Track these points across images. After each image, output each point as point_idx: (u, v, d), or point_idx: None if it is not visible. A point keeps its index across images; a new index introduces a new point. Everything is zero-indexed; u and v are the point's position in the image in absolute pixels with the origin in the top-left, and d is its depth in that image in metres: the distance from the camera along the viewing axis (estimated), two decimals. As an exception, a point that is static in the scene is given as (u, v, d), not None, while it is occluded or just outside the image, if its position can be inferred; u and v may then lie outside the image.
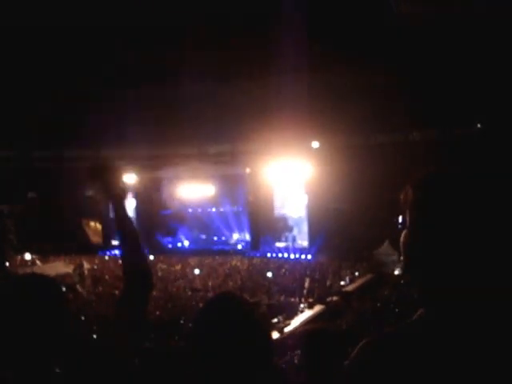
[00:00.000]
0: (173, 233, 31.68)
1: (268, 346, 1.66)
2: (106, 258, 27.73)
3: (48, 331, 1.40)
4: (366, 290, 18.02)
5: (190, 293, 17.59)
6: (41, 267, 22.13)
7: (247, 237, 29.92)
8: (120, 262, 1.75)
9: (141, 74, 29.78)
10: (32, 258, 23.62)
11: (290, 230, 27.37)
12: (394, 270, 21.11)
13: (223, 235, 30.97)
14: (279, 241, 27.31)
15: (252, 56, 27.62)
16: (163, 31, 29.31)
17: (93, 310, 14.65)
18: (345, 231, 23.80)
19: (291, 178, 27.21)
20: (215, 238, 31.17)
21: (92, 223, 32.53)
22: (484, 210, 0.96)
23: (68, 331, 1.46)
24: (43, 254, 25.21)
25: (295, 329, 13.10)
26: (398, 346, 0.98)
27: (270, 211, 27.69)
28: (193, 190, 30.75)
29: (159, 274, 21.95)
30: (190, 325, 1.69)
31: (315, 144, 29.61)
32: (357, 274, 20.46)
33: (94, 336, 10.40)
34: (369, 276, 20.51)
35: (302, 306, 15.68)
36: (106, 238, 31.21)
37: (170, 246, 31.37)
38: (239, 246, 29.73)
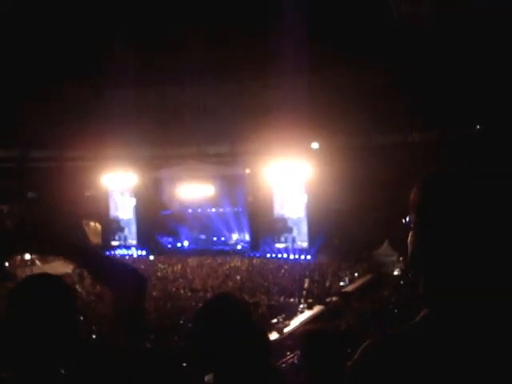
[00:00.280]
0: (173, 233, 31.67)
1: (265, 347, 1.66)
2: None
3: (56, 332, 1.40)
4: (366, 290, 18.03)
5: (189, 293, 17.58)
6: (40, 267, 22.13)
7: (247, 237, 29.91)
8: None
9: (141, 75, 29.78)
10: (31, 257, 23.61)
11: (290, 231, 27.36)
12: (393, 271, 21.12)
13: (223, 236, 30.96)
14: (279, 242, 27.30)
15: (252, 56, 27.62)
16: (163, 31, 29.32)
17: (92, 310, 14.65)
18: (344, 232, 23.79)
19: (291, 178, 27.21)
20: (215, 239, 31.15)
21: (92, 224, 32.53)
22: (485, 210, 0.96)
23: (74, 332, 1.46)
24: (42, 253, 25.20)
25: (295, 329, 13.10)
26: (402, 347, 0.98)
27: (270, 212, 27.68)
28: (193, 191, 30.75)
29: (159, 274, 21.96)
30: (190, 325, 1.70)
31: (315, 145, 29.62)
32: (356, 274, 20.46)
33: (94, 336, 10.41)
34: (368, 276, 20.50)
35: (301, 306, 15.67)
36: (106, 239, 31.22)
37: (169, 246, 31.36)
38: (239, 247, 29.72)
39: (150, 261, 26.78)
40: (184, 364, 7.92)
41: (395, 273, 20.84)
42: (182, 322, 12.53)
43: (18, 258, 23.07)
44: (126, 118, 28.66)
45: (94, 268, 1.69)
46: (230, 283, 19.34)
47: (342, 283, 19.07)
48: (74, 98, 30.81)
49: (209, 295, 15.88)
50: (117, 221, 31.12)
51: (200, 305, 1.86)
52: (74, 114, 30.01)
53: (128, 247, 29.94)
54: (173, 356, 8.46)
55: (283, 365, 9.23)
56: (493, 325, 0.94)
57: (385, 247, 22.16)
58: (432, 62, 24.85)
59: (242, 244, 29.96)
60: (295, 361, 9.39)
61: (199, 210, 31.60)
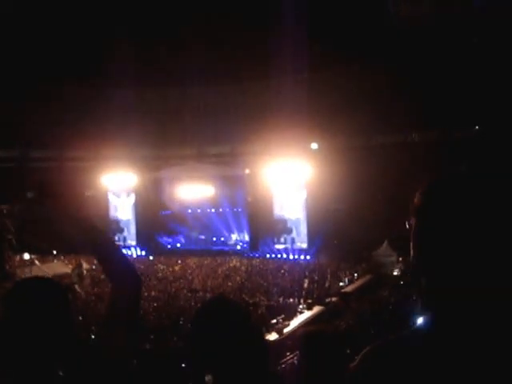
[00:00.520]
0: (172, 233, 31.67)
1: (262, 348, 1.67)
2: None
3: (53, 334, 1.39)
4: (365, 290, 18.03)
5: (189, 293, 17.57)
6: (39, 267, 22.13)
7: (246, 237, 29.92)
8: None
9: (141, 75, 29.78)
10: (31, 257, 23.60)
11: (289, 231, 27.35)
12: (392, 271, 21.11)
13: (222, 236, 30.97)
14: (278, 243, 27.29)
15: (252, 57, 27.63)
16: (163, 31, 29.34)
17: (91, 310, 14.64)
18: (344, 232, 23.79)
19: (291, 179, 27.21)
20: (214, 239, 31.16)
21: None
22: (487, 214, 0.96)
23: (71, 334, 1.46)
24: (42, 253, 25.20)
25: (294, 330, 13.10)
26: (402, 353, 0.97)
27: (269, 212, 27.68)
28: (192, 191, 30.75)
29: (158, 274, 21.94)
30: (189, 325, 1.70)
31: (314, 145, 29.63)
32: (356, 274, 20.45)
33: (92, 336, 10.40)
34: (368, 277, 20.50)
35: (300, 306, 15.67)
36: (105, 239, 31.14)
37: (169, 246, 31.36)
38: (238, 247, 29.73)
39: (150, 261, 26.76)
40: (183, 364, 7.92)
41: (395, 273, 20.84)
42: (181, 322, 12.52)
43: (17, 257, 23.05)
44: (126, 118, 28.68)
45: (106, 257, 1.69)
46: (230, 283, 19.33)
47: (341, 283, 19.07)
48: (73, 98, 30.80)
49: (208, 295, 15.89)
50: (116, 221, 31.10)
51: (199, 305, 1.86)
52: (74, 114, 30.01)
53: (127, 247, 29.93)
54: (172, 356, 8.46)
55: (283, 365, 9.23)
56: (495, 329, 0.93)
57: (384, 247, 22.16)
58: (431, 62, 24.86)
59: (242, 244, 29.97)
60: (295, 361, 9.39)
61: (199, 211, 31.61)
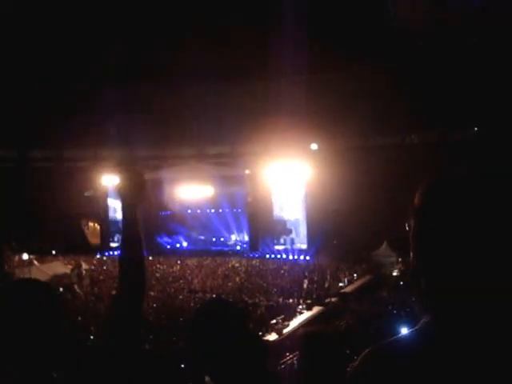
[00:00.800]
0: (172, 234, 31.67)
1: (261, 349, 1.67)
2: (104, 258, 27.73)
3: (42, 336, 1.39)
4: (365, 291, 18.02)
5: (188, 294, 17.56)
6: (39, 267, 22.11)
7: (246, 238, 29.93)
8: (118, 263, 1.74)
9: (141, 75, 29.79)
10: (30, 258, 23.59)
11: (289, 232, 27.36)
12: (392, 272, 21.12)
13: (222, 236, 30.98)
14: (278, 243, 27.30)
15: (252, 57, 27.64)
16: (164, 31, 29.34)
17: (90, 310, 14.63)
18: (343, 233, 23.81)
19: (290, 179, 27.22)
20: (214, 239, 31.17)
21: (91, 224, 32.53)
22: (487, 215, 0.96)
23: (64, 335, 1.45)
24: (41, 254, 25.19)
25: (294, 330, 13.10)
26: (402, 354, 0.97)
27: (269, 213, 27.69)
28: (192, 191, 30.75)
29: (158, 274, 21.93)
30: (188, 326, 1.71)
31: (314, 146, 29.64)
32: (355, 275, 20.46)
33: (91, 337, 10.40)
34: (367, 277, 20.51)
35: (300, 307, 15.66)
36: (105, 239, 31.20)
37: (168, 246, 31.36)
38: (238, 247, 29.75)
39: (149, 261, 26.75)
40: (183, 365, 7.91)
41: (394, 274, 20.84)
42: (180, 322, 12.51)
43: (16, 258, 23.04)
44: (126, 118, 28.68)
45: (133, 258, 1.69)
46: (229, 284, 19.32)
47: (340, 284, 19.07)
48: (73, 98, 30.79)
49: (208, 296, 15.89)
50: (116, 221, 31.09)
51: (199, 305, 1.87)
52: (74, 114, 30.01)
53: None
54: (171, 356, 8.46)
55: (282, 366, 9.23)
56: (495, 329, 0.93)
57: (384, 248, 22.17)
58: (431, 63, 24.88)
59: (241, 245, 29.98)
60: (294, 362, 9.39)
61: (198, 211, 31.62)
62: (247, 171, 29.06)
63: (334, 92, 27.62)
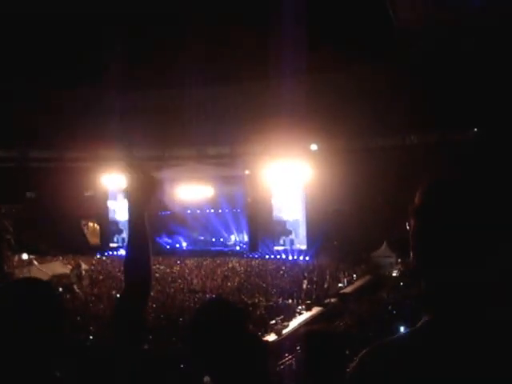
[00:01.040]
0: (172, 234, 31.65)
1: (261, 349, 1.68)
2: (104, 258, 27.72)
3: (44, 335, 1.39)
4: (364, 291, 18.02)
5: (188, 294, 17.55)
6: (38, 267, 22.09)
7: (246, 238, 29.92)
8: (123, 263, 1.74)
9: (141, 76, 29.79)
10: (29, 258, 23.58)
11: (288, 233, 27.34)
12: (392, 272, 21.11)
13: (222, 237, 30.96)
14: (278, 244, 27.28)
15: (252, 58, 27.65)
16: (163, 32, 29.35)
17: (90, 310, 14.62)
18: (343, 233, 23.81)
19: (290, 180, 27.21)
20: (214, 240, 31.15)
21: (90, 224, 32.52)
22: (486, 214, 0.97)
23: (65, 334, 1.45)
24: (41, 254, 25.18)
25: (293, 330, 13.10)
26: (400, 354, 0.97)
27: (269, 213, 27.67)
28: (192, 192, 30.72)
29: (157, 274, 21.91)
30: (188, 326, 1.71)
31: (314, 147, 29.64)
32: (355, 276, 20.45)
33: (91, 337, 10.40)
34: (367, 278, 20.51)
35: (299, 307, 15.66)
36: (104, 240, 31.19)
37: (168, 247, 31.34)
38: (238, 248, 29.73)
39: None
40: (182, 365, 7.91)
41: (394, 274, 20.83)
42: (180, 322, 12.51)
43: (16, 258, 23.03)
44: (126, 118, 28.68)
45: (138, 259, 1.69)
46: (229, 284, 19.31)
47: (340, 284, 19.06)
48: (73, 98, 30.81)
49: (207, 296, 15.89)
50: (116, 222, 31.09)
51: (198, 306, 1.87)
52: (74, 114, 30.01)
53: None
54: (171, 357, 8.46)
55: (281, 366, 9.23)
56: (493, 329, 0.93)
57: (383, 249, 22.17)
58: (431, 64, 24.88)
59: (241, 245, 29.97)
60: (293, 362, 9.39)
61: (198, 211, 31.59)
62: (247, 172, 29.05)
63: (334, 92, 27.64)
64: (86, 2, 28.27)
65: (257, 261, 25.04)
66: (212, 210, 31.25)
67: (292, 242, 27.10)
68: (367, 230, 22.70)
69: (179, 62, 29.43)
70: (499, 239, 0.97)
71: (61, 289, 16.67)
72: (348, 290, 18.57)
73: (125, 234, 30.95)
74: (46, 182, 29.20)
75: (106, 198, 31.02)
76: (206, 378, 1.67)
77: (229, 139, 30.81)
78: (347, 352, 2.25)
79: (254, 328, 11.69)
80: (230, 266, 23.82)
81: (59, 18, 28.23)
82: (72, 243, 27.80)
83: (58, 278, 19.48)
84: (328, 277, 19.60)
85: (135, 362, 1.58)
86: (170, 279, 20.97)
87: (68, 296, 16.79)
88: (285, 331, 13.11)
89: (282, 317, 13.90)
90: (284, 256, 26.33)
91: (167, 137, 31.20)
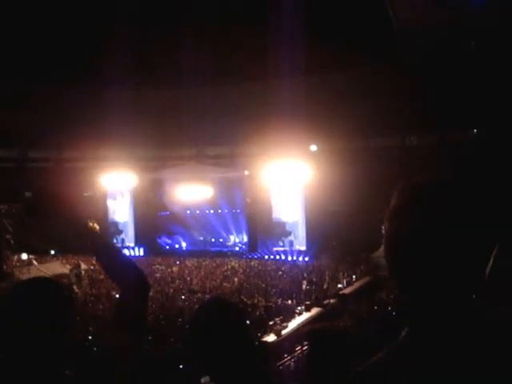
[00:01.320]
0: (171, 234, 31.65)
1: (260, 349, 1.68)
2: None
3: (55, 335, 1.40)
4: (364, 292, 18.01)
5: (187, 294, 17.54)
6: (37, 267, 22.09)
7: (245, 239, 29.92)
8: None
9: (140, 76, 29.78)
10: (29, 258, 23.58)
11: (287, 234, 27.33)
12: (391, 273, 21.06)
13: (221, 237, 30.96)
14: (277, 245, 27.28)
15: (251, 58, 27.64)
16: (162, 32, 29.34)
17: (89, 310, 14.61)
18: (342, 234, 23.80)
19: (289, 180, 27.21)
20: (213, 240, 31.15)
21: (90, 224, 32.44)
22: (455, 219, 0.93)
23: (74, 334, 1.46)
24: (40, 254, 25.17)
25: (293, 331, 13.10)
26: (390, 372, 0.95)
27: (268, 214, 27.67)
28: (191, 192, 30.71)
29: (157, 275, 21.91)
30: (187, 326, 1.71)
31: (313, 147, 29.64)
32: (354, 276, 20.45)
33: (90, 337, 10.39)
34: (366, 279, 20.49)
35: (299, 308, 15.66)
36: (104, 239, 31.11)
37: (167, 247, 31.34)
38: (237, 248, 29.74)
39: (148, 262, 26.75)
40: (181, 365, 7.91)
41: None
42: (179, 323, 12.51)
43: (15, 258, 23.03)
44: (125, 119, 28.65)
45: (106, 258, 1.69)
46: (228, 285, 19.31)
47: (339, 285, 19.06)
48: (72, 98, 30.78)
49: (207, 296, 15.88)
50: (115, 222, 31.08)
51: (198, 306, 1.87)
52: (73, 114, 29.99)
53: (126, 247, 29.90)
54: (170, 357, 8.45)
55: (280, 367, 9.22)
56: (472, 341, 0.91)
57: (382, 250, 22.11)
58: (430, 64, 24.89)
59: (240, 246, 29.97)
60: (292, 363, 9.39)
61: (198, 212, 31.58)
62: (246, 172, 29.06)
63: (334, 93, 27.63)
64: (86, 1, 28.28)
65: (256, 261, 25.05)
66: (211, 211, 31.24)
67: (291, 243, 27.09)
68: (367, 230, 22.68)
69: (179, 62, 29.42)
70: (472, 244, 0.94)
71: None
72: (347, 290, 18.56)
73: (124, 233, 30.97)
74: (44, 182, 29.14)
75: (105, 198, 31.01)
76: (204, 379, 1.67)
77: (228, 139, 30.81)
78: (348, 352, 2.25)
79: (253, 328, 11.69)
80: (230, 266, 23.82)
81: (57, 17, 28.22)
82: (71, 243, 27.75)
83: (58, 278, 19.44)
84: (327, 277, 19.61)
85: (135, 362, 1.58)
86: (169, 279, 20.97)
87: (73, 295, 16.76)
88: (284, 332, 13.10)
89: (281, 317, 13.89)
90: (283, 257, 26.34)
91: (166, 137, 31.19)
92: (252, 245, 28.52)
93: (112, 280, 1.70)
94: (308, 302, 16.13)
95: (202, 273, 22.38)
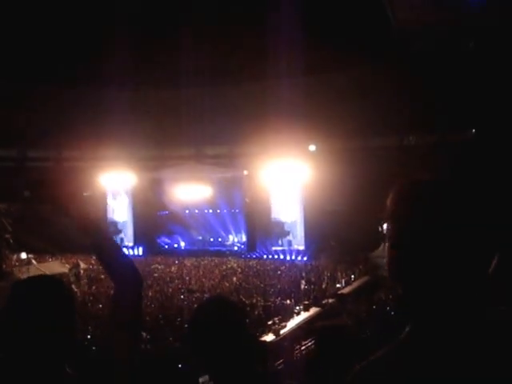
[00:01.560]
0: (170, 234, 31.65)
1: (260, 348, 1.69)
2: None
3: (59, 334, 1.40)
4: (362, 292, 18.03)
5: (185, 294, 17.55)
6: (37, 267, 22.08)
7: (244, 238, 29.93)
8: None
9: (139, 76, 29.76)
10: (28, 257, 23.56)
11: (286, 234, 27.35)
12: (390, 273, 21.09)
13: (220, 237, 30.97)
14: (275, 245, 27.30)
15: (250, 58, 27.63)
16: (162, 32, 29.32)
17: (88, 310, 14.61)
18: (341, 234, 23.81)
19: (288, 180, 27.22)
20: (212, 240, 31.16)
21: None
22: (454, 220, 0.94)
23: (76, 332, 1.47)
24: (39, 253, 25.14)
25: (291, 331, 13.11)
26: (390, 371, 0.96)
27: (267, 214, 27.69)
28: (190, 192, 30.72)
29: (155, 274, 21.91)
30: (186, 326, 1.72)
31: (312, 147, 29.64)
32: (353, 276, 20.47)
33: (89, 336, 10.39)
34: (365, 279, 20.51)
35: (297, 308, 15.67)
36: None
37: (166, 246, 31.34)
38: (236, 248, 29.75)
39: (147, 261, 26.76)
40: (180, 365, 7.91)
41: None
42: (177, 322, 12.51)
43: (15, 257, 23.01)
44: (124, 118, 28.64)
45: (107, 255, 1.70)
46: (227, 284, 19.32)
47: (338, 285, 19.08)
48: (72, 98, 30.77)
49: (205, 296, 15.88)
50: (114, 221, 31.07)
51: (196, 305, 1.87)
52: (73, 114, 29.97)
53: (125, 247, 29.90)
54: (169, 356, 8.45)
55: (279, 367, 9.23)
56: (471, 339, 0.91)
57: (381, 249, 22.14)
58: (430, 65, 24.89)
59: (239, 245, 29.98)
60: (291, 363, 9.39)
61: (196, 211, 31.59)
62: (245, 172, 29.06)
63: (333, 93, 27.62)
64: (83, 1, 28.25)
65: (255, 261, 25.06)
66: (210, 210, 31.26)
67: (290, 243, 27.10)
68: (365, 230, 22.69)
69: (178, 62, 29.40)
70: (470, 244, 0.94)
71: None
72: (346, 290, 18.58)
73: (123, 233, 30.97)
74: (43, 181, 29.08)
75: (105, 197, 31.00)
76: (203, 378, 1.68)
77: (227, 139, 30.79)
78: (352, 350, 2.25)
79: (251, 328, 11.69)
80: (228, 266, 23.83)
81: (57, 16, 28.19)
82: (71, 243, 27.73)
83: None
84: (326, 277, 19.63)
85: (134, 361, 1.58)
86: (168, 279, 20.97)
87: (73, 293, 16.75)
88: (282, 331, 13.11)
89: (279, 317, 13.90)
90: (282, 256, 26.35)
91: (166, 137, 31.17)
92: (251, 244, 28.53)
93: (110, 277, 1.70)
94: (306, 302, 16.15)
95: (201, 272, 22.38)
